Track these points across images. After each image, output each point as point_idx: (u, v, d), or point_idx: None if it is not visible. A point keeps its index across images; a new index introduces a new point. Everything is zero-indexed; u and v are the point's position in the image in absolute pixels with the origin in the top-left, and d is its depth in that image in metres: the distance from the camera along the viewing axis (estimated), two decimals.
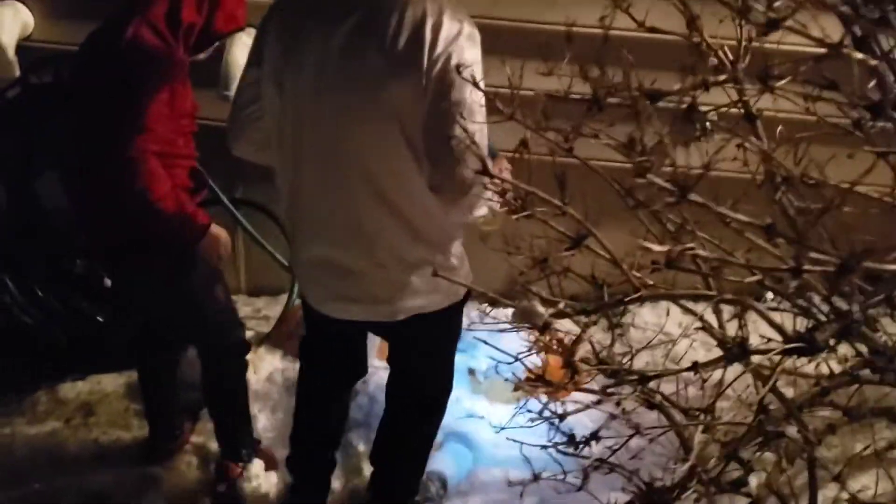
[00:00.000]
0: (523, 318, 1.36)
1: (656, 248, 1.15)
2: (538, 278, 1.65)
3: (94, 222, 2.33)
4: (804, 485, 1.96)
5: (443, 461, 2.53)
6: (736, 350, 1.54)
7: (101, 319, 3.14)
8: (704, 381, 1.46)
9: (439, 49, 1.68)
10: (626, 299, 1.27)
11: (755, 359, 1.58)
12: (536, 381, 1.74)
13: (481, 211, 1.81)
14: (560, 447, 1.43)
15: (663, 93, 2.07)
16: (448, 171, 1.71)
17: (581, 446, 1.41)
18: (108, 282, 3.16)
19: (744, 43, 2.03)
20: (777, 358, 1.56)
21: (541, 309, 1.34)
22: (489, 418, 2.57)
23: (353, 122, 1.75)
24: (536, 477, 1.52)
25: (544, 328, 1.35)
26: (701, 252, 1.22)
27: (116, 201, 2.19)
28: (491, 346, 1.98)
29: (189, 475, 2.61)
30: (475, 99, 1.69)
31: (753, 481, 1.98)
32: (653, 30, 1.97)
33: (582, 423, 1.94)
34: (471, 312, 3.11)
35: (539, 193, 1.24)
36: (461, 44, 1.70)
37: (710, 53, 2.00)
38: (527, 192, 1.25)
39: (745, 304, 1.39)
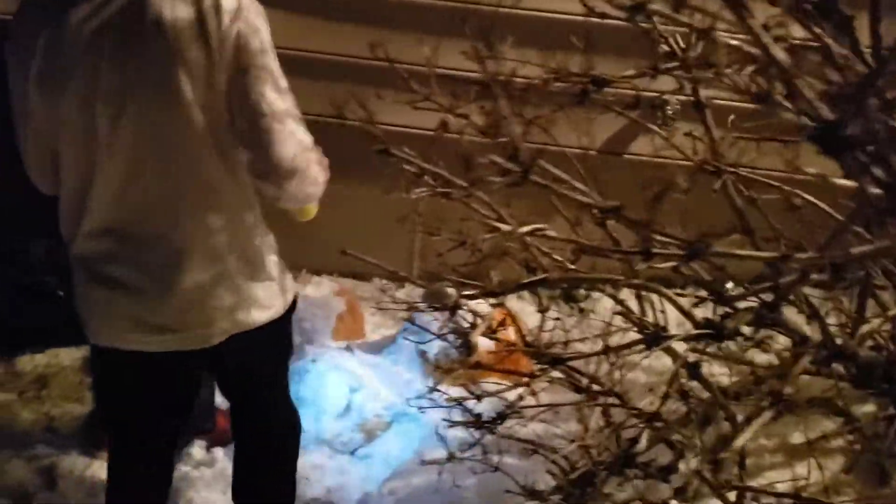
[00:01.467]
0: (433, 299, 1.37)
1: (504, 227, 1.16)
2: (470, 262, 1.66)
3: None
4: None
5: (390, 441, 2.55)
6: (652, 335, 1.56)
7: (61, 294, 3.14)
8: (613, 363, 1.47)
9: (226, 23, 1.53)
10: (526, 282, 1.27)
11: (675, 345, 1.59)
12: (454, 364, 1.75)
13: (315, 192, 1.71)
14: (467, 426, 1.44)
15: (610, 80, 2.07)
16: (266, 153, 1.57)
17: (487, 425, 1.42)
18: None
19: (695, 30, 2.03)
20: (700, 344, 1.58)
21: (450, 290, 1.35)
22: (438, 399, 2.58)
23: (149, 116, 1.57)
24: (451, 456, 1.54)
25: (454, 309, 1.36)
26: (551, 233, 1.22)
27: None
28: (425, 330, 1.98)
29: None
30: (278, 70, 1.59)
31: (683, 467, 2.00)
32: (603, 16, 1.97)
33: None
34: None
35: (445, 175, 1.24)
36: (247, 15, 1.56)
37: (660, 41, 2.01)
38: (438, 175, 1.25)
39: (656, 290, 1.40)
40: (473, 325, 1.35)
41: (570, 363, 1.49)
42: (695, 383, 1.78)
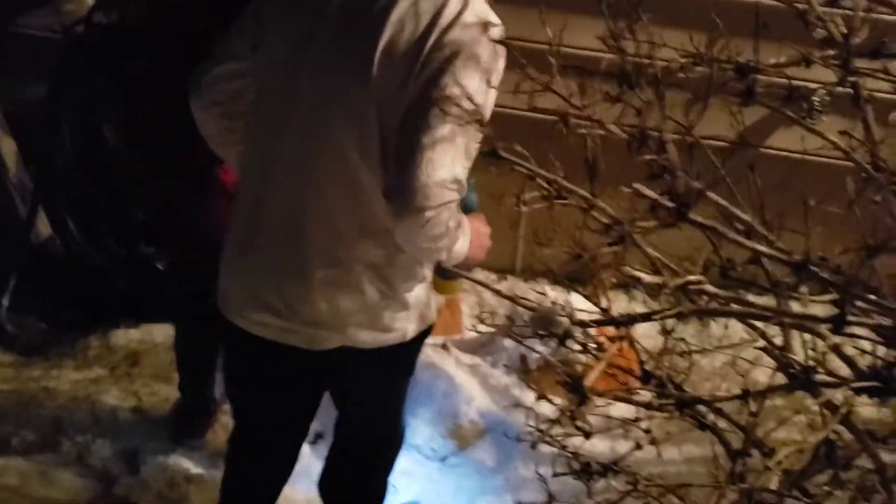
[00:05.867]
0: (541, 325, 1.18)
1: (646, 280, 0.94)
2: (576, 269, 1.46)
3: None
4: None
5: (485, 450, 2.38)
6: (801, 378, 1.33)
7: (160, 268, 3.09)
8: (754, 413, 1.25)
9: (438, 56, 1.39)
10: (663, 314, 1.06)
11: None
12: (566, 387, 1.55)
13: (438, 243, 1.46)
14: (574, 476, 1.24)
15: (757, 69, 1.81)
16: (407, 176, 1.38)
17: (594, 476, 1.22)
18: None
19: (860, 13, 1.76)
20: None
21: (561, 316, 1.16)
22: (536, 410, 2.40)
23: (333, 104, 1.50)
24: (551, 497, 1.34)
25: (564, 337, 1.17)
26: (709, 287, 1.00)
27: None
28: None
29: (221, 436, 2.53)
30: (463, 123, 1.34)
31: None
32: None
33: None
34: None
35: (564, 183, 1.04)
36: (473, 51, 1.40)
37: (818, 24, 1.75)
38: (553, 181, 1.06)
39: (811, 330, 1.17)
40: (586, 368, 1.15)
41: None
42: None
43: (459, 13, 1.43)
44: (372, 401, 1.84)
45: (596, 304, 1.43)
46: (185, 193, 2.26)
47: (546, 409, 2.49)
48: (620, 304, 3.01)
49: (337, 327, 1.61)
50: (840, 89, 1.78)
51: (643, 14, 1.41)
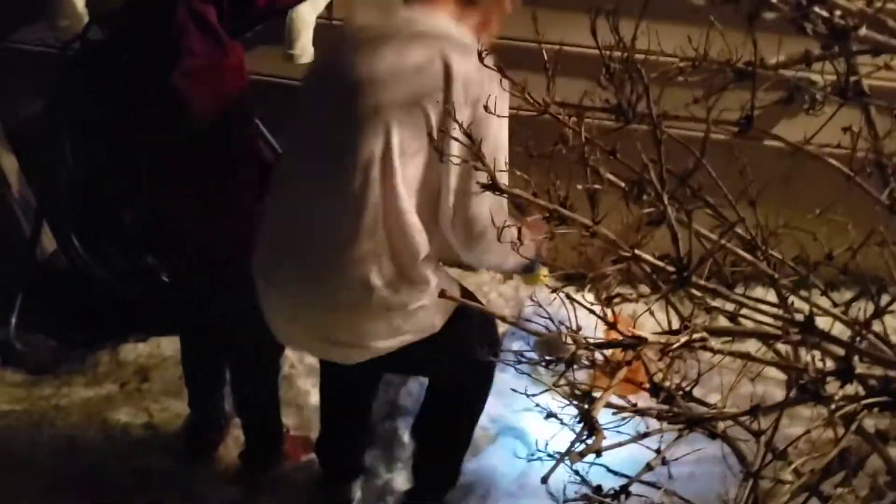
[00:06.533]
0: (547, 350, 1.18)
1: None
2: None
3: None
4: None
5: (495, 456, 2.37)
6: (812, 390, 1.32)
7: (165, 279, 3.08)
8: (762, 432, 1.24)
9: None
10: (666, 349, 1.05)
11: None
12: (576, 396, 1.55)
13: (505, 263, 1.85)
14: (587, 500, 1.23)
15: (751, 72, 1.80)
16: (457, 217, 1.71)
17: (609, 500, 1.21)
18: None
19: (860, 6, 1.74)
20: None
21: (566, 343, 1.15)
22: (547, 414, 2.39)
23: (357, 129, 1.70)
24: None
25: (570, 362, 1.16)
26: (713, 344, 0.99)
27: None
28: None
29: (233, 450, 2.53)
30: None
31: None
32: None
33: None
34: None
35: (564, 212, 1.03)
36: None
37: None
38: (553, 210, 1.04)
39: (821, 348, 1.16)
40: (592, 393, 1.14)
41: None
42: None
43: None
44: (432, 368, 2.07)
45: (602, 318, 1.42)
46: (181, 202, 2.25)
47: (559, 408, 2.48)
48: (629, 305, 3.00)
49: (362, 347, 1.80)
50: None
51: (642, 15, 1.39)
